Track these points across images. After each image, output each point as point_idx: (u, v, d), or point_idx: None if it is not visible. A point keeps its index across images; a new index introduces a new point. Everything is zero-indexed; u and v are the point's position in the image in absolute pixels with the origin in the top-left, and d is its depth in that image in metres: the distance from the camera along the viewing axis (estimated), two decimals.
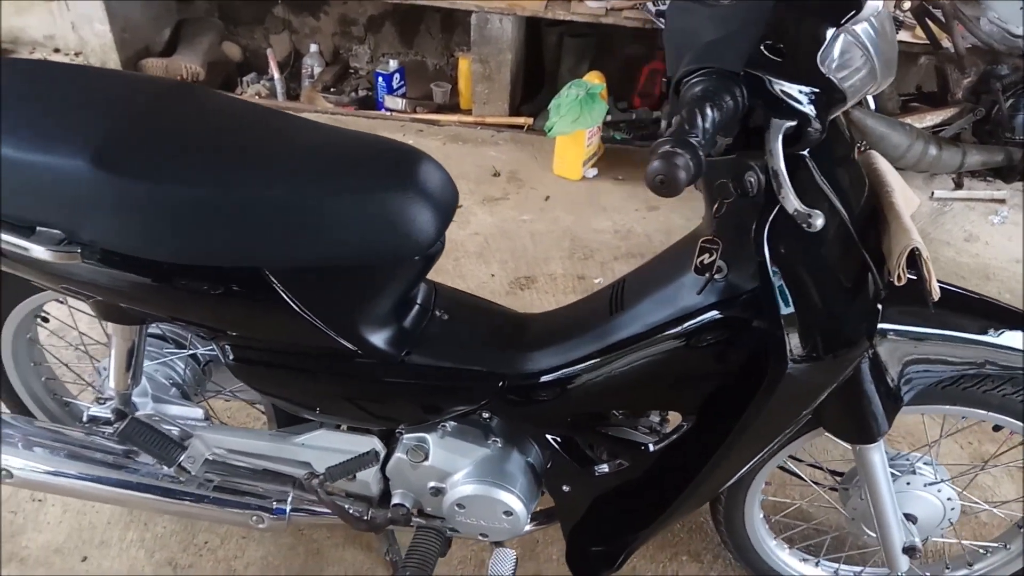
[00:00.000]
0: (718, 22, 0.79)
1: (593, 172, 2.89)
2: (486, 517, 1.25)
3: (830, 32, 0.76)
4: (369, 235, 1.04)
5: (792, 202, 0.72)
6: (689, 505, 1.18)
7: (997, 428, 1.24)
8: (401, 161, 1.07)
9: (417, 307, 1.22)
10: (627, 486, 1.24)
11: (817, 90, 0.76)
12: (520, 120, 3.12)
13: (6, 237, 1.01)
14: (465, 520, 1.27)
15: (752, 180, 0.89)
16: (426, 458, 1.24)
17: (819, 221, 0.70)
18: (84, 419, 1.35)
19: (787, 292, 0.91)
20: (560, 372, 1.16)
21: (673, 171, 0.65)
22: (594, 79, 2.79)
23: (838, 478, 1.42)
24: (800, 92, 0.76)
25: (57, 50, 3.44)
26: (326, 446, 1.28)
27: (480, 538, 1.31)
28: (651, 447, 1.19)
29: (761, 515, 1.42)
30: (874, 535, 1.34)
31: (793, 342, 0.93)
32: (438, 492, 1.27)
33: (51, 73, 1.19)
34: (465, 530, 1.29)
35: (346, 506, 1.29)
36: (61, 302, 1.36)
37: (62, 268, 1.05)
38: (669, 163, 0.66)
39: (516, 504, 1.23)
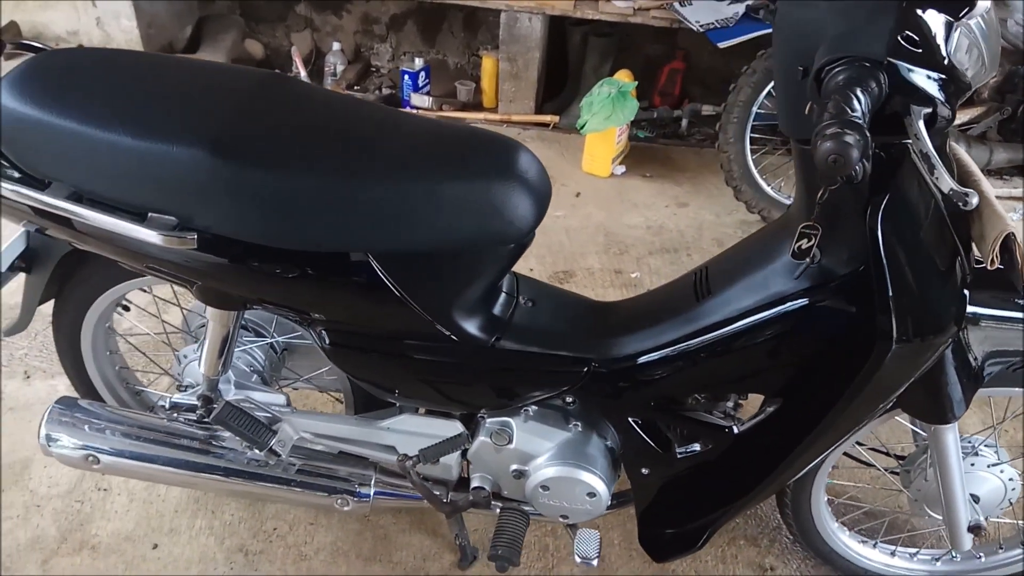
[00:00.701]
0: (844, 15, 0.83)
1: (621, 169, 2.93)
2: (569, 499, 1.29)
3: (952, 26, 0.81)
4: (475, 222, 1.07)
5: (947, 182, 0.76)
6: (775, 484, 1.22)
7: None
8: (503, 151, 1.10)
9: (504, 295, 1.25)
10: (706, 468, 1.28)
11: (945, 78, 0.80)
12: (547, 118, 3.16)
13: (117, 222, 1.03)
14: (548, 502, 1.30)
15: (858, 167, 0.93)
16: (510, 441, 1.27)
17: (974, 200, 0.74)
18: (167, 405, 1.38)
19: (894, 275, 0.95)
20: (647, 356, 1.20)
21: (846, 149, 0.69)
22: (624, 77, 2.83)
23: (900, 461, 1.46)
24: (934, 80, 0.80)
25: (81, 46, 3.44)
26: (410, 430, 1.31)
27: (560, 519, 1.34)
28: (735, 429, 1.23)
29: (826, 498, 1.47)
30: (936, 516, 1.39)
31: (898, 323, 0.97)
32: (521, 475, 1.30)
33: (143, 62, 1.21)
34: (547, 512, 1.32)
35: (432, 489, 1.32)
36: (146, 290, 1.39)
37: (173, 253, 1.07)
38: (840, 142, 0.69)
39: (599, 486, 1.27)
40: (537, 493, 1.29)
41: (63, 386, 1.87)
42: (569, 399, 1.26)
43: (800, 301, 1.09)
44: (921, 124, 0.78)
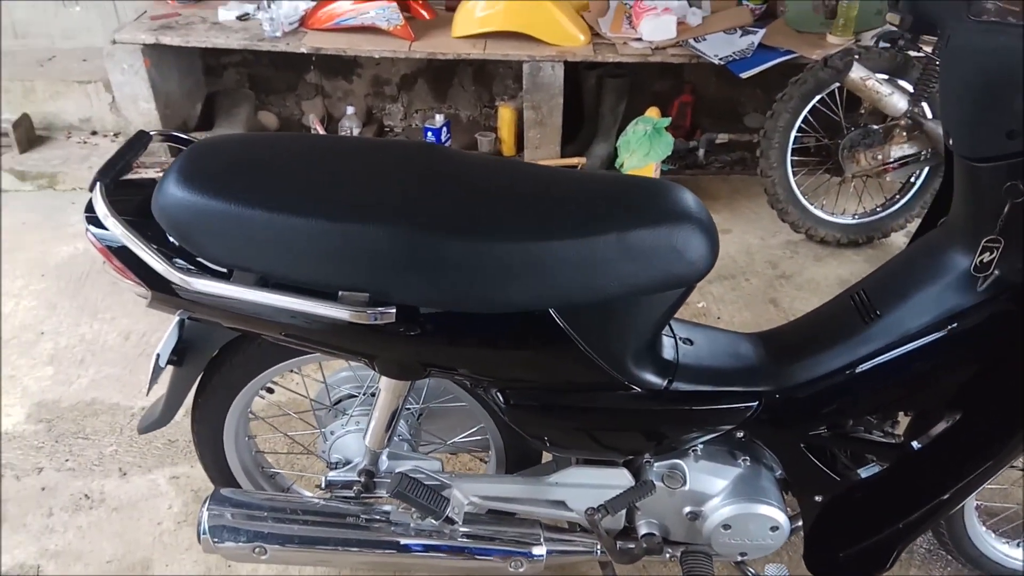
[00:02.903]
0: None
1: None
2: (752, 535, 1.28)
3: None
4: (660, 267, 1.08)
5: None
6: (961, 496, 1.23)
7: None
8: (672, 194, 1.12)
9: (667, 337, 1.26)
10: (880, 486, 1.28)
11: None
12: (574, 160, 3.20)
13: (316, 305, 1.02)
14: (730, 541, 1.29)
15: None
16: (684, 483, 1.27)
17: None
18: (322, 484, 1.35)
19: None
20: (820, 383, 1.21)
21: None
22: (653, 114, 2.90)
23: None
24: None
25: (94, 132, 3.41)
26: (579, 482, 1.30)
27: (739, 557, 1.33)
28: (915, 445, 1.24)
29: (975, 503, 1.48)
30: None
31: None
32: (696, 516, 1.29)
33: (290, 144, 1.21)
34: (726, 551, 1.31)
35: (616, 542, 1.30)
36: (296, 371, 1.36)
37: (360, 330, 1.06)
38: None
39: (781, 518, 1.27)
40: (718, 533, 1.28)
41: (163, 480, 1.82)
42: (740, 433, 1.27)
43: (983, 314, 1.11)
44: None
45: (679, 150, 3.41)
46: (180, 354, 1.26)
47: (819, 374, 1.21)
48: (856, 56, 2.35)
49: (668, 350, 1.25)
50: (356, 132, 3.54)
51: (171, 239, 1.05)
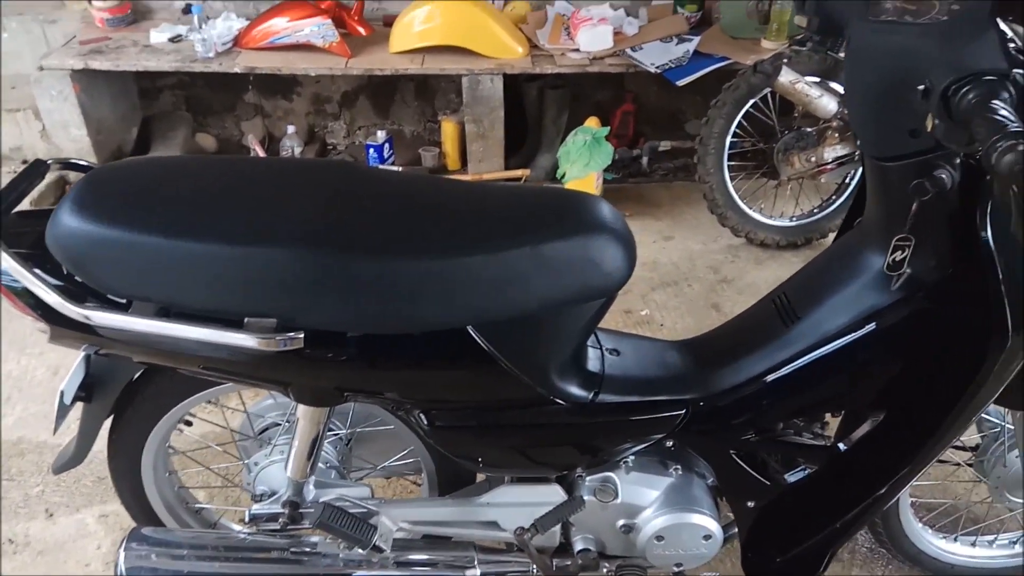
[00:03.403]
0: (943, 37, 0.88)
1: None
2: (686, 545, 1.27)
3: None
4: (577, 278, 1.06)
5: None
6: (892, 493, 1.23)
7: None
8: (589, 205, 1.11)
9: (591, 349, 1.25)
10: (810, 489, 1.28)
11: None
12: (518, 173, 3.20)
13: (221, 334, 0.98)
14: (664, 552, 1.28)
15: (945, 176, 0.98)
16: (616, 496, 1.25)
17: None
18: (246, 518, 1.30)
19: (1005, 272, 1.00)
20: (745, 388, 1.21)
21: None
22: (593, 124, 2.90)
23: (973, 452, 1.51)
24: None
25: (25, 161, 3.31)
26: (511, 501, 1.28)
27: (675, 568, 1.32)
28: (841, 446, 1.24)
29: (910, 500, 1.49)
30: (1018, 500, 1.44)
31: (1012, 317, 1.01)
32: (630, 529, 1.28)
33: (198, 166, 1.18)
34: (661, 563, 1.30)
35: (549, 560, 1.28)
36: (213, 402, 1.32)
37: (271, 356, 1.02)
38: (1019, 153, 0.72)
39: (714, 526, 1.26)
40: (652, 545, 1.27)
41: (92, 519, 1.76)
42: (669, 443, 1.26)
43: (899, 311, 1.12)
44: None
45: (623, 159, 3.43)
46: (88, 390, 1.22)
47: (743, 379, 1.21)
48: (785, 60, 2.38)
49: (594, 362, 1.23)
50: (298, 151, 3.49)
51: (68, 272, 1.01)
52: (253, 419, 1.39)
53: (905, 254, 1.07)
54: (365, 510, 1.25)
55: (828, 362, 1.17)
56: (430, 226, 1.04)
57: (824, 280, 1.21)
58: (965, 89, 0.82)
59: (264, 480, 1.34)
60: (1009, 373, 1.10)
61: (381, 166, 3.28)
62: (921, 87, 0.87)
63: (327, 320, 1.01)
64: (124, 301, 1.03)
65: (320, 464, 1.34)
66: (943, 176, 0.99)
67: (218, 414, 1.47)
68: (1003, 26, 0.86)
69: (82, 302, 0.99)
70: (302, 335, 0.99)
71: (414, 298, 1.00)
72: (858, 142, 1.10)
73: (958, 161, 0.99)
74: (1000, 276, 1.00)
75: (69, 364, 1.21)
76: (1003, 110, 0.78)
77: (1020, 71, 0.83)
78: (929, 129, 0.87)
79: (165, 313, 1.01)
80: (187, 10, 3.24)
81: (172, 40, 3.10)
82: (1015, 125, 0.75)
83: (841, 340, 1.16)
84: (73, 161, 1.19)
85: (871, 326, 1.14)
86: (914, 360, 1.16)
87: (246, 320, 0.99)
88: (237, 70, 2.98)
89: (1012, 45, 0.85)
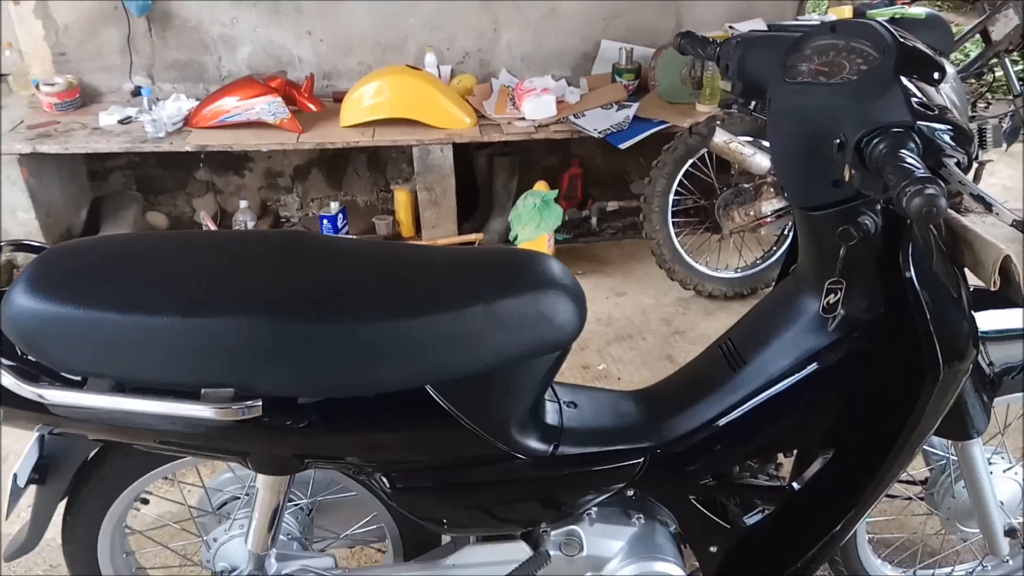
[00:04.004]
0: (852, 95, 0.96)
1: None
2: None
3: (937, 90, 0.96)
4: (529, 334, 1.10)
5: (1008, 214, 0.87)
6: (847, 529, 1.26)
7: None
8: (538, 263, 1.15)
9: (549, 403, 1.28)
10: (770, 530, 1.31)
11: (954, 130, 0.94)
12: (471, 237, 3.26)
13: (177, 406, 0.99)
14: None
15: (868, 222, 1.06)
16: (582, 549, 1.26)
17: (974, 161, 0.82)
18: None
19: (931, 310, 1.06)
20: (698, 434, 1.24)
21: (934, 200, 0.78)
22: (542, 187, 2.99)
23: (922, 485, 1.56)
24: (949, 133, 0.93)
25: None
26: (477, 561, 1.28)
27: None
28: (795, 486, 1.28)
29: (867, 536, 1.53)
30: (969, 530, 1.48)
31: (943, 351, 1.07)
32: None
33: (151, 242, 1.20)
34: None
35: None
36: (169, 478, 1.30)
37: (229, 427, 1.03)
38: (927, 196, 0.78)
39: (678, 573, 1.27)
40: None
41: None
42: (630, 492, 1.28)
43: (838, 351, 1.17)
44: (956, 168, 0.90)
45: (573, 220, 3.53)
46: (42, 472, 1.19)
47: (696, 425, 1.25)
48: (718, 122, 2.51)
49: (552, 415, 1.26)
50: (251, 225, 3.51)
51: (22, 352, 1.01)
52: (211, 494, 1.37)
53: (838, 296, 1.13)
54: None
55: (775, 403, 1.22)
56: (383, 289, 1.07)
57: (766, 325, 1.27)
58: (875, 141, 0.90)
59: (224, 556, 1.31)
60: (945, 405, 1.16)
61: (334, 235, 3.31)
62: (836, 141, 0.94)
63: (284, 386, 1.02)
64: (79, 379, 1.03)
65: (282, 536, 1.33)
66: (866, 222, 1.06)
67: (176, 492, 1.44)
68: (906, 82, 0.95)
69: (36, 381, 0.98)
70: (260, 403, 1.00)
71: (370, 360, 1.02)
72: (785, 195, 1.17)
73: (879, 207, 1.07)
74: (927, 313, 1.06)
75: (20, 449, 1.19)
76: (910, 158, 0.85)
77: (923, 123, 0.91)
78: (847, 179, 0.94)
79: (120, 388, 1.01)
80: (136, 92, 3.28)
81: (122, 122, 3.12)
82: (921, 171, 0.82)
83: (786, 381, 1.21)
84: (25, 242, 1.19)
85: (813, 366, 1.19)
86: (856, 397, 1.21)
87: (203, 391, 1.00)
88: (188, 149, 3.01)
89: (915, 100, 0.93)
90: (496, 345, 1.08)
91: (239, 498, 1.35)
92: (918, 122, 0.90)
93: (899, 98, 0.92)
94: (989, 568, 1.64)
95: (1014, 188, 3.66)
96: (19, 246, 1.18)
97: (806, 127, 1.03)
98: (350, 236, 3.42)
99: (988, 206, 0.88)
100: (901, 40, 0.98)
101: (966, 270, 1.16)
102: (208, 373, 1.00)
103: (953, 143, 0.91)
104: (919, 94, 0.96)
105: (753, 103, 1.25)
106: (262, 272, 1.05)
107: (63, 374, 1.02)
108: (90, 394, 0.99)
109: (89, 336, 0.97)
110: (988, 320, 1.25)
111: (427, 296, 1.06)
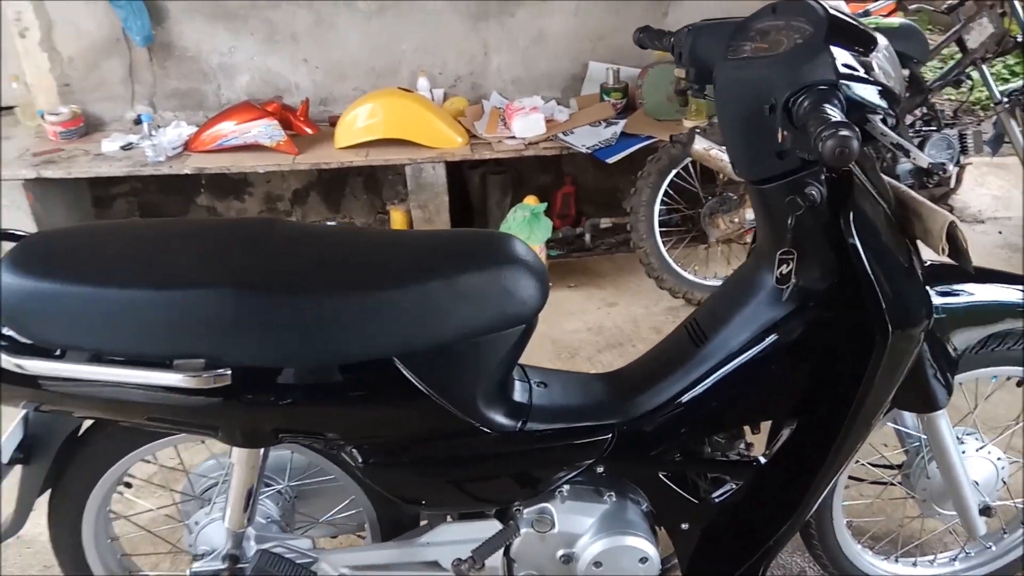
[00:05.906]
0: (786, 66, 1.01)
1: None
2: (623, 568, 1.29)
3: (868, 58, 1.01)
4: (492, 307, 1.14)
5: (924, 158, 0.91)
6: (812, 501, 1.28)
7: (1021, 383, 1.45)
8: (501, 242, 1.20)
9: (518, 381, 1.31)
10: (742, 506, 1.33)
11: (882, 89, 0.98)
12: None
13: (149, 374, 1.03)
14: None
15: (814, 192, 1.09)
16: (553, 526, 1.28)
17: (951, 167, 0.87)
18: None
19: (877, 277, 1.10)
20: (665, 410, 1.27)
21: (847, 141, 0.82)
22: (532, 201, 3.05)
23: (898, 469, 1.57)
24: (876, 91, 0.98)
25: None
26: (451, 539, 1.30)
27: None
28: (761, 459, 1.30)
29: (845, 521, 1.54)
30: (947, 512, 1.49)
31: (890, 316, 1.11)
32: (569, 559, 1.30)
33: (133, 227, 1.26)
34: None
35: None
36: (150, 461, 1.33)
37: (200, 399, 1.07)
38: (840, 137, 0.82)
39: (650, 548, 1.29)
40: (591, 572, 1.29)
41: None
42: (600, 469, 1.30)
43: (793, 322, 1.21)
44: (881, 124, 0.95)
45: (567, 237, 3.58)
46: (26, 451, 1.23)
47: (662, 401, 1.28)
48: (699, 131, 2.56)
49: (521, 393, 1.29)
50: None
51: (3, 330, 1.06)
52: (195, 480, 1.40)
53: (791, 267, 1.17)
54: (306, 559, 1.26)
55: (737, 376, 1.25)
56: (348, 265, 1.12)
57: (727, 301, 1.30)
58: (801, 98, 0.94)
59: (205, 539, 1.34)
60: (900, 373, 1.18)
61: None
62: (767, 105, 0.99)
63: (252, 356, 1.06)
64: (59, 352, 1.07)
65: (262, 519, 1.36)
66: (812, 192, 1.09)
67: (160, 477, 1.47)
68: (836, 50, 0.99)
69: (15, 352, 1.03)
70: (229, 372, 1.04)
71: (334, 331, 1.07)
72: (736, 170, 1.22)
73: (823, 177, 1.11)
74: (871, 277, 1.10)
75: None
76: (831, 109, 0.89)
77: (846, 82, 0.96)
78: (780, 140, 0.99)
79: (97, 360, 1.06)
80: (138, 121, 3.37)
81: (124, 148, 3.22)
82: (839, 117, 0.86)
83: (746, 354, 1.24)
84: (10, 231, 1.25)
85: (771, 338, 1.22)
86: (815, 367, 1.24)
87: (175, 362, 1.04)
88: (187, 171, 3.09)
89: (842, 63, 0.98)
90: (459, 318, 1.12)
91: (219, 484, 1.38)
92: (842, 81, 0.95)
93: (827, 62, 0.97)
94: (972, 554, 1.64)
95: (1004, 198, 3.69)
96: (5, 235, 1.24)
97: (747, 100, 1.08)
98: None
99: (906, 152, 0.92)
100: (832, 13, 1.03)
101: (919, 242, 1.20)
102: (179, 344, 1.04)
103: (882, 101, 0.95)
104: (853, 63, 1.01)
105: (707, 88, 1.30)
106: (234, 251, 1.10)
107: (44, 348, 1.07)
108: (68, 364, 1.03)
109: (67, 309, 1.02)
110: (950, 296, 1.28)
111: (390, 270, 1.11)
